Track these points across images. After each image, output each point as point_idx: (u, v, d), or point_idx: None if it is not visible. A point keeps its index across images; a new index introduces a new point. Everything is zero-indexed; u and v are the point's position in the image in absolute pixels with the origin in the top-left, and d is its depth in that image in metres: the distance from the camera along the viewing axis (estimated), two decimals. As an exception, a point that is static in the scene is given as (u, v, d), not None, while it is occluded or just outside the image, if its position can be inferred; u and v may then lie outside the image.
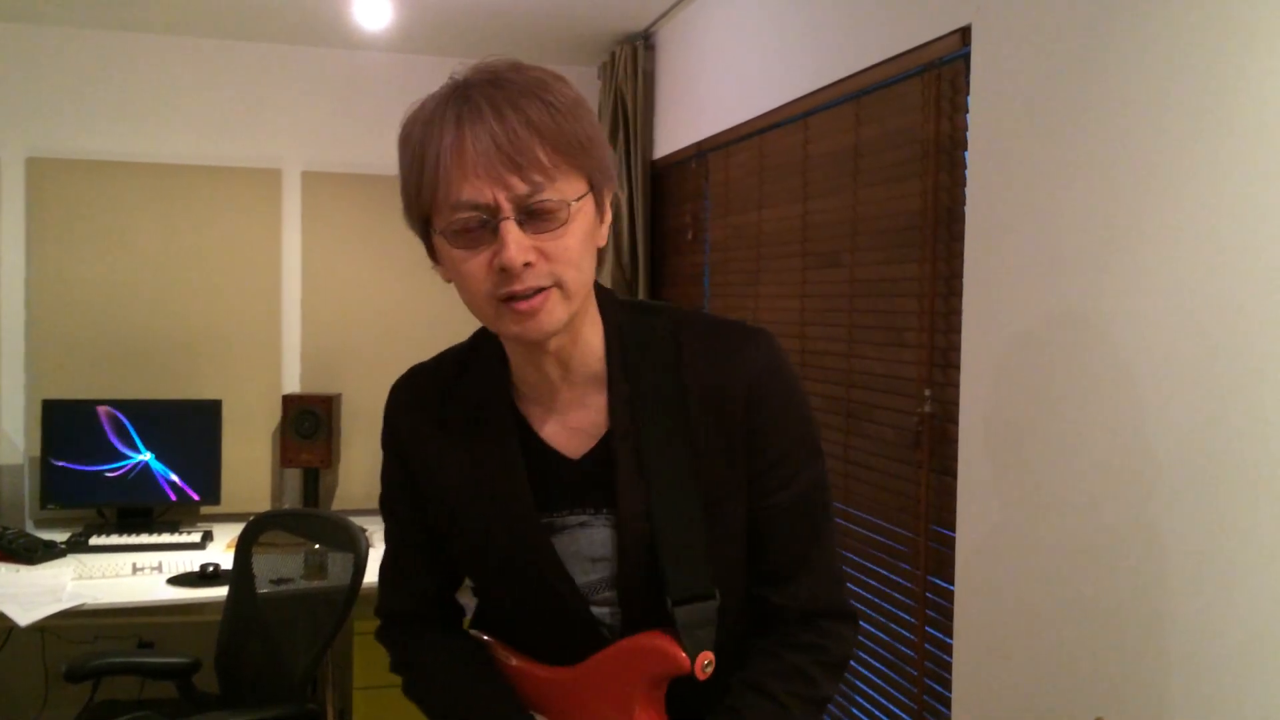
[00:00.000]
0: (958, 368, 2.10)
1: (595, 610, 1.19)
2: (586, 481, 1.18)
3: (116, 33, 3.90)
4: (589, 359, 1.18)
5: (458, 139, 1.05)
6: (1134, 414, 1.64)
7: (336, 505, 4.09)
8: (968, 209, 2.07)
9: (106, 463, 3.72)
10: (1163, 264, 1.59)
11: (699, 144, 3.52)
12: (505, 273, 1.05)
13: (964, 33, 2.09)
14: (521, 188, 1.04)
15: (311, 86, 4.10)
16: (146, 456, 3.76)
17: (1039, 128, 1.86)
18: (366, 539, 2.72)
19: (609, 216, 1.14)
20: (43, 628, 3.06)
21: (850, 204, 2.58)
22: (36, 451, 3.76)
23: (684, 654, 1.13)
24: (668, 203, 3.92)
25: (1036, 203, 1.87)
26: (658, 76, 3.93)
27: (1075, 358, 1.77)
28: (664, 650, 1.14)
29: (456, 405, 1.24)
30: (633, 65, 3.88)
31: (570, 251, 1.07)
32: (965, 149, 2.11)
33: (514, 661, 1.26)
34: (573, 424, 1.20)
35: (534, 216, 1.05)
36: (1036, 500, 1.86)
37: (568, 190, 1.06)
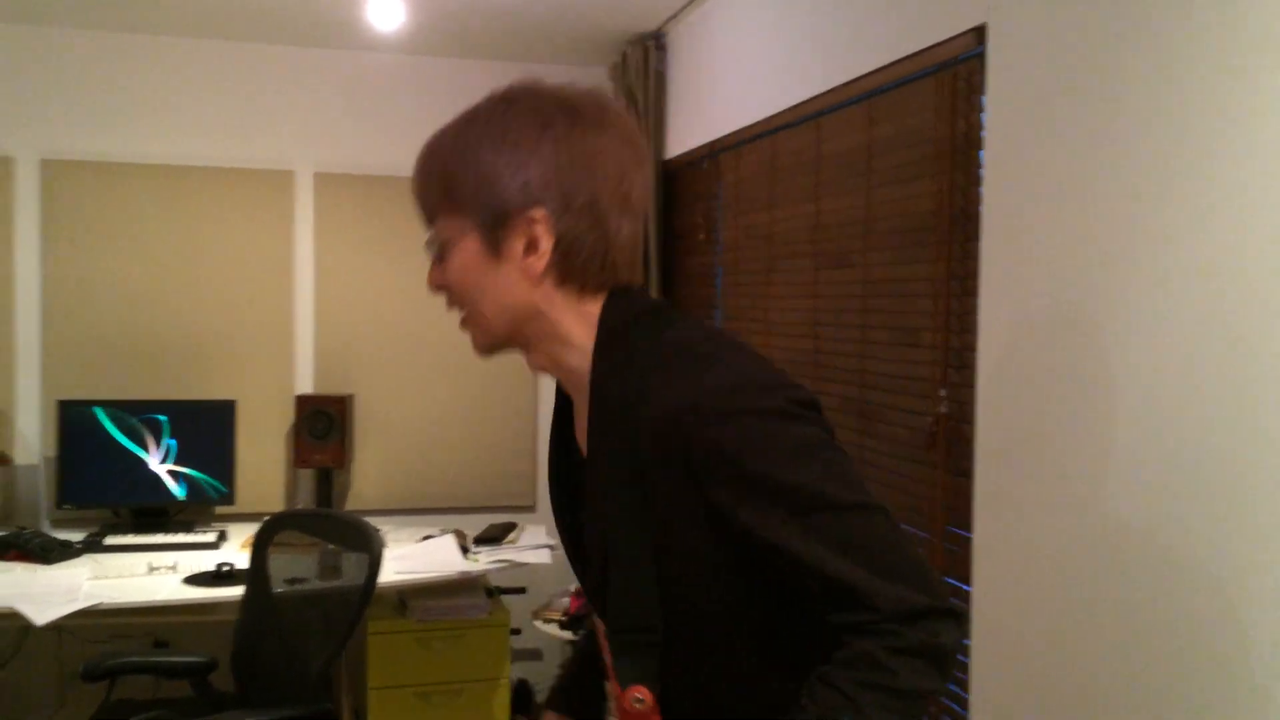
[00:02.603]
0: (973, 368, 2.10)
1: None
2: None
3: (130, 35, 3.92)
4: (580, 375, 1.21)
5: None
6: (1153, 413, 1.63)
7: (350, 506, 4.10)
8: (983, 208, 2.07)
9: (122, 463, 3.74)
10: (1181, 262, 1.58)
11: (711, 144, 3.52)
12: None
13: (979, 32, 2.09)
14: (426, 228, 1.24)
15: (324, 88, 4.12)
16: (161, 457, 3.77)
17: (1055, 126, 1.86)
18: (381, 539, 2.72)
19: (540, 241, 1.17)
20: (59, 627, 3.07)
21: (863, 204, 2.57)
22: (52, 452, 3.79)
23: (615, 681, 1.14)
24: (680, 203, 3.92)
25: (1053, 202, 1.87)
26: (669, 77, 3.93)
27: (1092, 357, 1.76)
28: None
29: None
30: (644, 66, 3.89)
31: (454, 283, 1.22)
32: (980, 149, 2.11)
33: None
34: (583, 427, 1.23)
35: (431, 251, 1.24)
36: (1054, 500, 1.86)
37: (447, 229, 1.21)
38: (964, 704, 2.11)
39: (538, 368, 1.26)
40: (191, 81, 4.00)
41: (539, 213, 1.16)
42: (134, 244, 3.94)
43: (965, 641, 2.12)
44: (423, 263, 4.14)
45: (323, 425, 3.92)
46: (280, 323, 4.09)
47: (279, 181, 4.08)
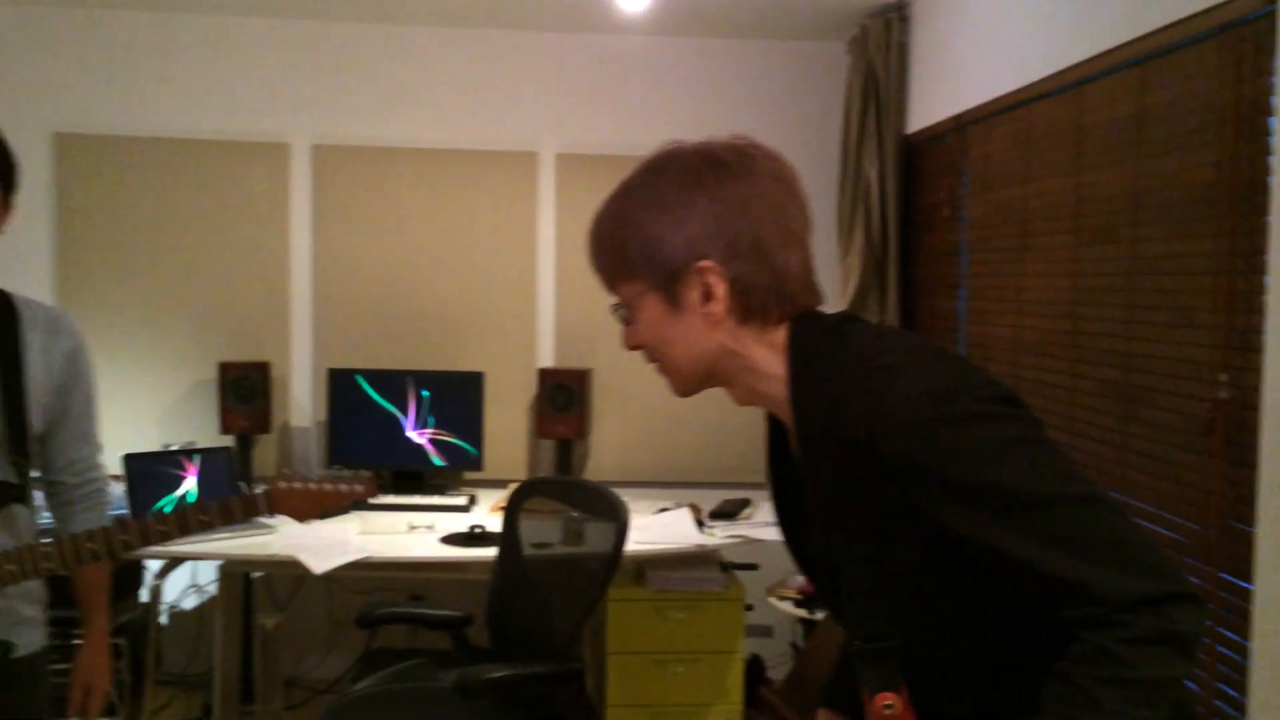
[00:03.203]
0: (1259, 350, 1.96)
1: None
2: None
3: (392, 26, 4.17)
4: (781, 401, 1.28)
5: None
6: None
7: (587, 476, 4.25)
8: (1274, 180, 1.93)
9: (383, 428, 4.01)
10: None
11: (957, 117, 3.42)
12: None
13: (1274, -11, 1.94)
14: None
15: (567, 72, 4.25)
16: (418, 423, 4.03)
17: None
18: (627, 509, 2.81)
19: (715, 288, 1.25)
20: (330, 577, 3.34)
21: (1131, 176, 2.44)
22: (323, 416, 4.11)
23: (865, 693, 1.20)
24: (921, 179, 3.82)
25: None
26: (912, 48, 3.83)
27: None
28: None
29: None
30: (885, 37, 3.81)
31: (646, 340, 1.32)
32: (1271, 115, 1.96)
33: None
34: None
35: (619, 316, 1.34)
36: (1354, 495, 1.72)
37: (628, 293, 1.31)
38: (1241, 707, 1.99)
39: (742, 401, 1.34)
40: (445, 69, 4.22)
41: (707, 263, 1.24)
42: (394, 223, 4.21)
43: (1244, 641, 1.99)
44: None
45: (563, 398, 4.08)
46: (524, 298, 4.27)
47: (523, 163, 4.25)
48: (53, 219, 4.10)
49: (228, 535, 3.33)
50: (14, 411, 1.96)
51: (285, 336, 4.18)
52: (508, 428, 4.24)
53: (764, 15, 3.91)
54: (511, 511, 3.13)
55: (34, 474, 2.05)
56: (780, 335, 1.27)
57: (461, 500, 3.86)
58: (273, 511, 1.97)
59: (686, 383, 1.33)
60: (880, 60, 3.82)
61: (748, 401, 1.33)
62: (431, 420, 4.03)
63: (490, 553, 3.30)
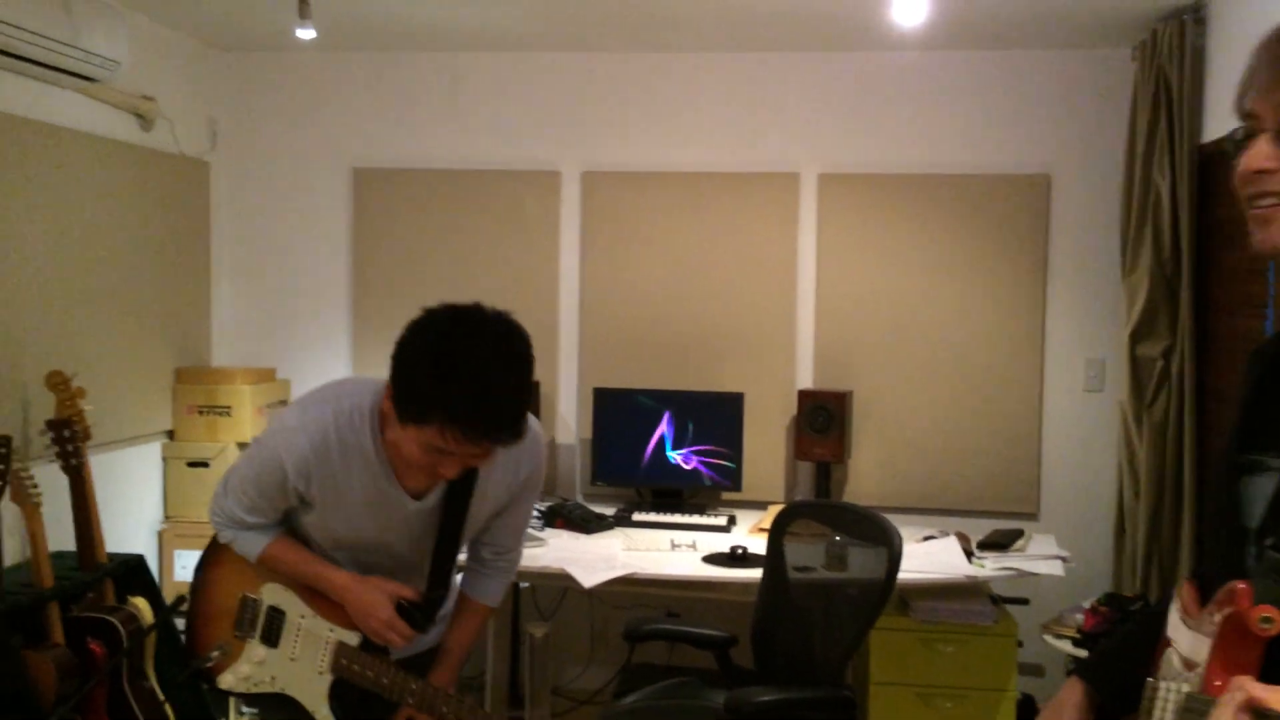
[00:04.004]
0: None
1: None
2: None
3: (655, 54, 4.28)
4: None
5: None
6: None
7: (847, 500, 4.18)
8: None
9: (645, 446, 4.09)
10: None
11: (1265, 123, 3.14)
12: None
13: None
14: None
15: (829, 91, 4.22)
16: (678, 443, 4.08)
17: None
18: (900, 536, 2.74)
19: None
20: (592, 591, 3.43)
21: None
22: (587, 434, 4.24)
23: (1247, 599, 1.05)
24: (1218, 191, 3.54)
25: None
26: (1209, 52, 3.57)
27: None
28: (1234, 590, 1.07)
29: None
30: (1179, 42, 3.56)
31: None
32: None
33: None
34: None
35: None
36: None
37: None
38: None
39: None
40: (708, 93, 4.28)
41: None
42: (656, 246, 4.30)
43: None
44: (922, 262, 4.14)
45: (823, 419, 4.02)
46: (784, 319, 4.26)
47: (784, 183, 4.24)
48: (349, 246, 4.44)
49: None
50: (446, 547, 2.07)
51: (553, 356, 4.35)
52: (766, 449, 4.23)
53: (1044, 24, 3.74)
54: (776, 534, 3.11)
55: None
56: None
57: (721, 520, 3.87)
58: None
59: None
60: (1172, 66, 3.57)
61: None
62: (691, 440, 4.08)
63: (750, 574, 3.30)
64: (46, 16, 3.17)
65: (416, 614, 2.04)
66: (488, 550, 2.21)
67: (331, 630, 2.06)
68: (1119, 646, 1.44)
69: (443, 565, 2.09)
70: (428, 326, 1.82)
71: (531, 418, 1.90)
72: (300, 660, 2.07)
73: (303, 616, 2.07)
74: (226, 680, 2.10)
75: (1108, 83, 4.02)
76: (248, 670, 2.09)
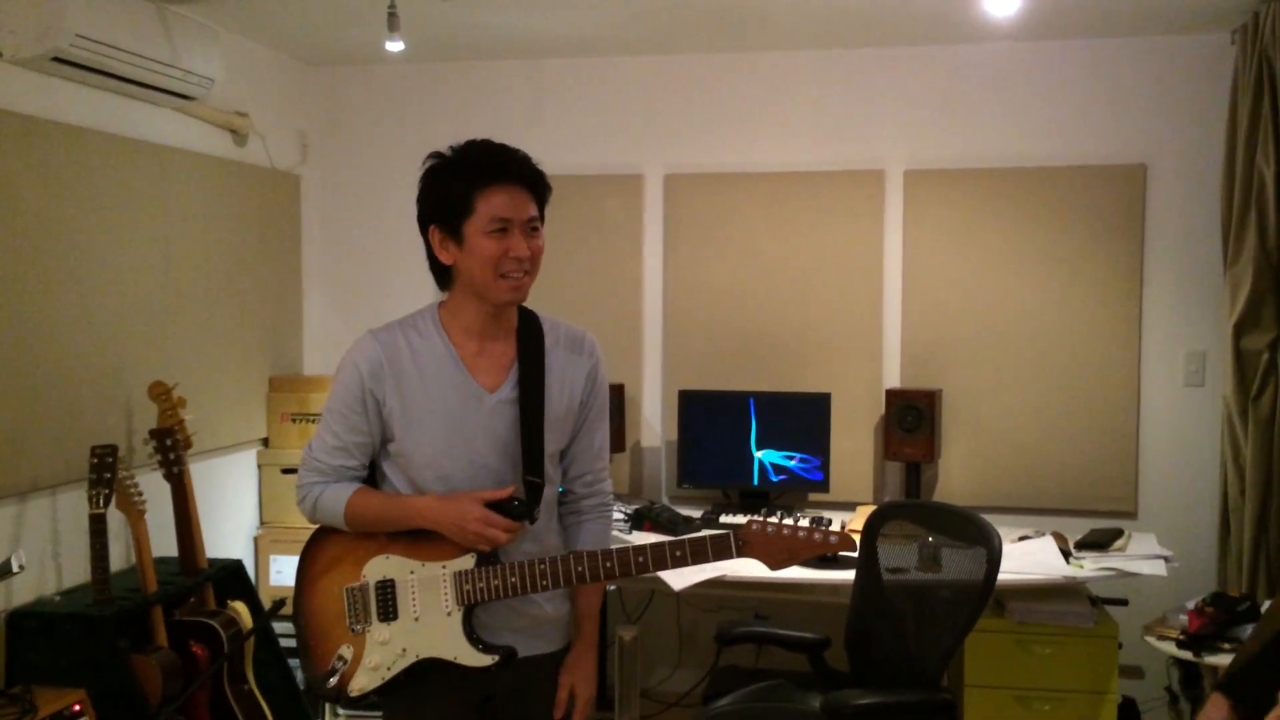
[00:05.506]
0: None
1: None
2: None
3: (737, 54, 4.26)
4: None
5: None
6: None
7: (937, 500, 4.11)
8: None
9: (730, 448, 4.08)
10: None
11: (1376, 105, 3.02)
12: None
13: None
14: None
15: (915, 86, 4.16)
16: (764, 444, 4.06)
17: None
18: (1000, 537, 2.68)
19: None
20: (681, 594, 3.42)
21: None
22: (673, 436, 4.23)
23: None
24: (1326, 177, 3.41)
25: None
26: (1313, 33, 3.44)
27: None
28: None
29: None
30: (1281, 25, 3.43)
31: None
32: None
33: None
34: None
35: None
36: None
37: None
38: None
39: None
40: (790, 92, 4.25)
41: None
42: (740, 247, 4.28)
43: None
44: (1010, 260, 4.05)
45: (912, 419, 3.97)
46: (869, 318, 4.20)
47: (869, 181, 4.19)
48: (434, 253, 4.50)
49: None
50: (532, 435, 2.06)
51: (638, 358, 4.36)
52: (853, 449, 4.18)
53: (1140, 10, 3.63)
54: (870, 534, 3.07)
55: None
56: None
57: (808, 522, 3.84)
58: (741, 554, 1.99)
59: None
60: (1276, 49, 3.44)
61: None
62: (778, 441, 4.05)
63: (840, 575, 3.27)
64: (148, 39, 3.28)
65: (513, 505, 2.01)
66: (579, 484, 2.21)
67: (444, 567, 2.03)
68: (1259, 659, 1.40)
69: (534, 462, 2.06)
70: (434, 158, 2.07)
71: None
72: (424, 616, 2.04)
73: (412, 572, 2.05)
74: (359, 682, 2.04)
75: (1206, 68, 3.90)
76: (377, 658, 2.04)
